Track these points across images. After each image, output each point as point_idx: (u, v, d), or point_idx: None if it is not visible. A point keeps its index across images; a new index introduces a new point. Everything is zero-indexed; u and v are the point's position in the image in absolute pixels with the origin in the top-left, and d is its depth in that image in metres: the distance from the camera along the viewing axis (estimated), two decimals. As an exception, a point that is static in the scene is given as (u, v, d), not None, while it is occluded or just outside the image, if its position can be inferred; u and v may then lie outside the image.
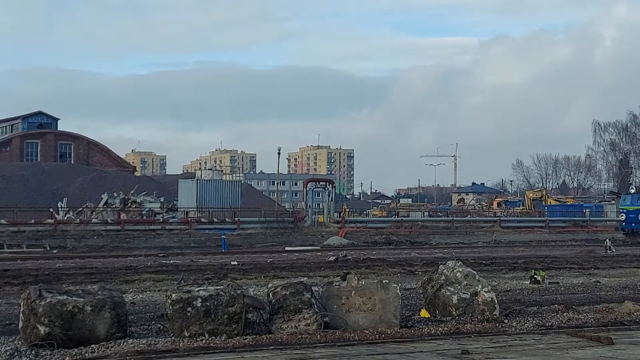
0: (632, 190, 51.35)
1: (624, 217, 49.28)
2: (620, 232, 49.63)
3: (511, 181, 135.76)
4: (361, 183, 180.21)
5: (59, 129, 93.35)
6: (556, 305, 13.07)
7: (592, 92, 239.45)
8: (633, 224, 48.00)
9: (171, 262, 27.29)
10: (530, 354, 9.04)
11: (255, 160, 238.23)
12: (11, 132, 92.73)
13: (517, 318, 11.79)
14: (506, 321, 11.43)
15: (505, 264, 25.53)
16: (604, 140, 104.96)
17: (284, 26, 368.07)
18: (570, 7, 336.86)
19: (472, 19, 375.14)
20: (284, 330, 10.12)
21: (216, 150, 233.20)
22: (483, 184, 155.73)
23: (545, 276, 19.31)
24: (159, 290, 16.78)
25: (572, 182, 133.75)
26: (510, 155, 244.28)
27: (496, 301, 11.75)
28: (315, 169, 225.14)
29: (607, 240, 36.35)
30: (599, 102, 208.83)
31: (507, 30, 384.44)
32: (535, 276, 18.93)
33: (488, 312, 11.42)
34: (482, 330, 10.63)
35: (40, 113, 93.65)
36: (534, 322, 11.53)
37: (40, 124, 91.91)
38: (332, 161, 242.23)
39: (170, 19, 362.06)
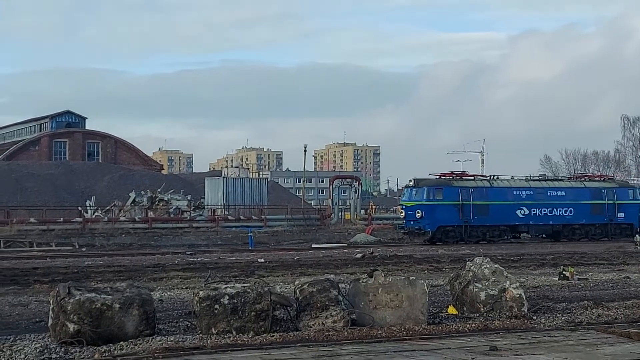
0: (411, 183, 40.66)
1: (402, 215, 40.64)
2: (401, 232, 41.95)
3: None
4: (387, 180, 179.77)
5: (86, 128, 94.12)
6: (585, 302, 12.97)
7: (621, 86, 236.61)
8: (411, 222, 38.98)
9: (198, 259, 27.39)
10: (559, 351, 8.96)
11: (281, 158, 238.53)
12: (40, 131, 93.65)
13: (546, 314, 11.71)
14: (535, 317, 11.36)
15: (534, 260, 25.36)
16: (633, 135, 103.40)
17: (307, 24, 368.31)
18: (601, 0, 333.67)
19: (499, 13, 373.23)
20: (311, 327, 10.11)
21: (242, 148, 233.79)
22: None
23: (574, 272, 19.16)
24: (186, 288, 16.85)
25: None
26: (538, 151, 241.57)
27: (524, 297, 11.68)
28: (341, 166, 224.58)
29: (637, 235, 35.98)
30: (629, 96, 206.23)
31: (536, 25, 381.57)
32: (563, 272, 18.79)
33: (516, 309, 11.35)
34: (511, 327, 10.57)
35: (68, 112, 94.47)
36: (563, 318, 11.45)
37: (68, 123, 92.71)
38: (358, 158, 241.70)
39: (193, 18, 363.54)
